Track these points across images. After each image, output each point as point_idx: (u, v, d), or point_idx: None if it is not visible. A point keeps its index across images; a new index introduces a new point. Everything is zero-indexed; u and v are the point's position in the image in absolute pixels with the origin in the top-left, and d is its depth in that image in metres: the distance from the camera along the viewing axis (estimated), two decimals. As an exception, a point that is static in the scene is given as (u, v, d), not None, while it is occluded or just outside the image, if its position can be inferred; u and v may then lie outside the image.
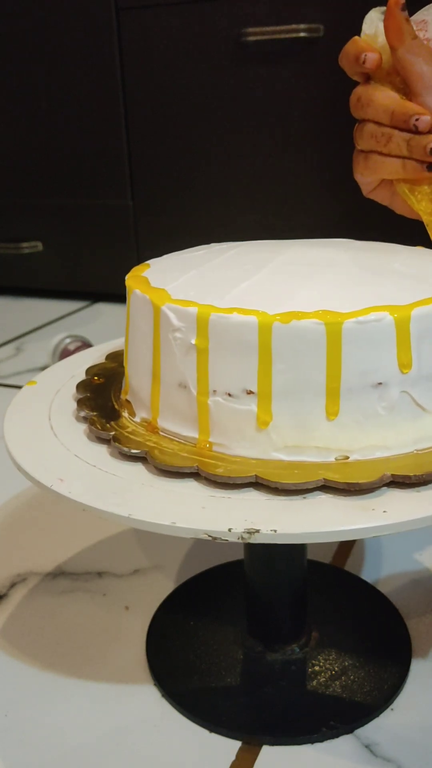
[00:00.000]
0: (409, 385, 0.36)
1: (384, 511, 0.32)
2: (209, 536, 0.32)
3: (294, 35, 1.03)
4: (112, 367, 0.49)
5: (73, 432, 0.42)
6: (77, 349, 0.99)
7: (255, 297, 0.37)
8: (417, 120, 0.45)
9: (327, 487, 0.34)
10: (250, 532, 0.32)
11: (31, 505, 0.68)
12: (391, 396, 0.36)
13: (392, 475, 0.34)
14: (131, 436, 0.40)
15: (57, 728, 0.44)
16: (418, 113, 0.45)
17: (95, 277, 1.32)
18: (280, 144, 1.12)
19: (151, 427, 0.41)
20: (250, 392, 0.36)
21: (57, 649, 0.51)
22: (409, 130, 0.46)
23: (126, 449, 0.38)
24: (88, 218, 1.28)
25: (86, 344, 1.00)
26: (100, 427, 0.41)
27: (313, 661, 0.47)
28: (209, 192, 1.19)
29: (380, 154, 0.48)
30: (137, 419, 0.42)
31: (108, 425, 0.41)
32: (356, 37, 0.47)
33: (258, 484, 0.35)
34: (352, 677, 0.46)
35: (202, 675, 0.47)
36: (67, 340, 1.00)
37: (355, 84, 0.49)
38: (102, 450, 0.40)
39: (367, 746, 0.42)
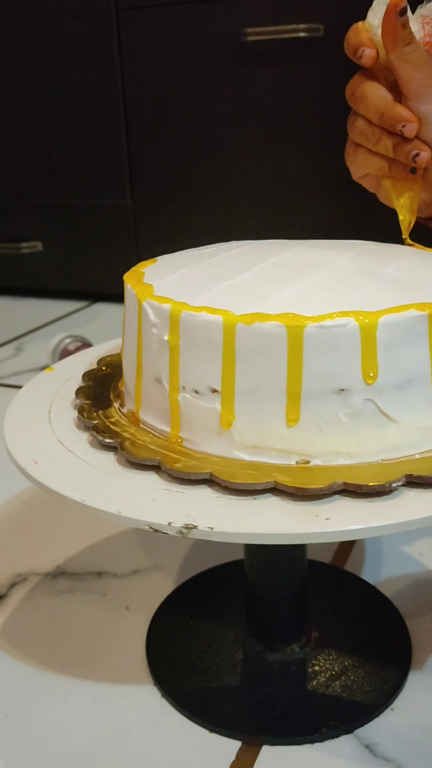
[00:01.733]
0: (374, 393, 0.35)
1: (327, 519, 0.32)
2: (151, 528, 0.33)
3: (294, 35, 1.03)
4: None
5: (67, 419, 0.43)
6: (77, 349, 0.99)
7: (230, 297, 0.37)
8: (404, 127, 0.46)
9: (278, 491, 0.34)
10: (188, 528, 0.32)
11: (31, 505, 0.68)
12: (354, 403, 0.35)
13: (344, 483, 0.33)
14: (112, 427, 0.41)
15: (57, 728, 0.44)
16: (406, 120, 0.46)
17: (95, 277, 1.32)
18: (280, 144, 1.12)
19: (134, 418, 0.42)
20: (215, 391, 0.37)
21: (57, 649, 0.51)
22: (396, 134, 0.47)
23: (100, 438, 0.39)
24: (88, 218, 1.28)
25: (86, 344, 1.00)
26: (86, 416, 0.42)
27: (313, 661, 0.47)
28: (209, 192, 1.19)
29: (368, 150, 0.49)
30: (125, 410, 0.43)
31: (95, 414, 0.42)
32: (359, 24, 0.47)
33: (212, 481, 0.35)
34: (352, 677, 0.46)
35: (202, 675, 0.47)
36: (67, 340, 1.00)
37: (354, 73, 0.49)
38: (85, 438, 0.41)
39: (367, 746, 0.42)
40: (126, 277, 0.43)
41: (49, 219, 1.31)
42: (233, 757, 0.42)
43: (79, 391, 0.45)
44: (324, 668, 0.47)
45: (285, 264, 0.42)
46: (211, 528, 0.32)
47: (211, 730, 0.44)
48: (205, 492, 0.35)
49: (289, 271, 0.41)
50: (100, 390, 0.46)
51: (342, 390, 0.35)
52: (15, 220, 1.34)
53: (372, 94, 0.47)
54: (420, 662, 0.48)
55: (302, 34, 1.03)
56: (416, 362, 0.35)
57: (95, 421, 0.41)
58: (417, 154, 0.46)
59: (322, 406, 0.35)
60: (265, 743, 0.43)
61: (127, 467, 0.37)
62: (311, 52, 1.04)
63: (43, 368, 1.02)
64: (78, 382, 0.47)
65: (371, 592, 0.54)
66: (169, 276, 0.42)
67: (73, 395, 0.46)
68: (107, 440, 0.39)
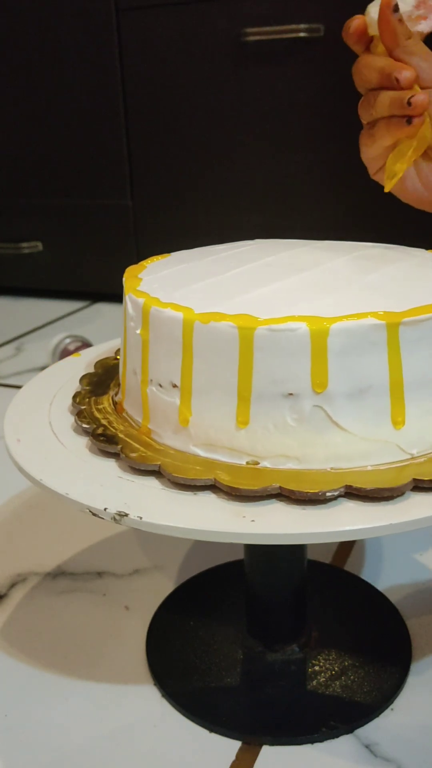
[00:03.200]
0: (324, 400, 0.35)
1: (252, 520, 0.32)
2: (90, 512, 0.34)
3: (294, 35, 1.03)
4: None
5: (66, 416, 0.44)
6: (77, 349, 0.99)
7: (201, 295, 0.38)
8: (399, 73, 0.45)
9: (217, 488, 0.35)
10: (121, 515, 0.33)
11: (31, 505, 0.68)
12: (302, 408, 0.35)
13: (280, 487, 0.34)
14: (96, 414, 0.42)
15: (57, 728, 0.44)
16: (402, 68, 0.45)
17: (95, 277, 1.32)
18: (280, 144, 1.12)
19: (120, 407, 0.43)
20: (175, 386, 0.37)
21: (57, 649, 0.51)
22: (394, 87, 0.46)
23: (79, 423, 0.41)
24: (88, 218, 1.28)
25: (86, 344, 1.00)
26: (78, 401, 0.43)
27: (313, 661, 0.47)
28: (209, 192, 1.19)
29: (374, 125, 0.48)
30: (117, 398, 0.44)
31: (87, 400, 0.44)
32: (358, 16, 0.47)
33: (161, 474, 0.36)
34: (352, 677, 0.46)
35: (202, 675, 0.47)
36: (67, 340, 1.00)
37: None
38: (72, 422, 0.43)
39: (367, 746, 0.42)
40: (129, 268, 0.45)
41: (49, 219, 1.31)
42: (233, 757, 0.42)
43: (84, 378, 0.47)
44: (324, 668, 0.47)
45: (274, 265, 0.42)
46: (140, 518, 0.33)
47: (211, 730, 0.44)
48: (152, 483, 0.36)
49: (272, 272, 0.41)
50: (105, 378, 0.47)
51: (291, 394, 0.35)
52: (15, 220, 1.34)
53: (372, 59, 0.47)
54: (420, 662, 0.48)
55: (302, 34, 1.03)
56: (371, 372, 0.35)
57: (83, 407, 0.43)
58: (412, 97, 0.45)
59: (270, 408, 0.35)
60: (265, 743, 0.43)
61: (96, 453, 0.39)
62: (311, 52, 1.04)
63: (43, 368, 1.02)
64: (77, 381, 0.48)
65: (371, 592, 0.54)
66: (163, 271, 0.43)
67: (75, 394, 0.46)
68: (84, 426, 0.41)
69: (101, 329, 1.20)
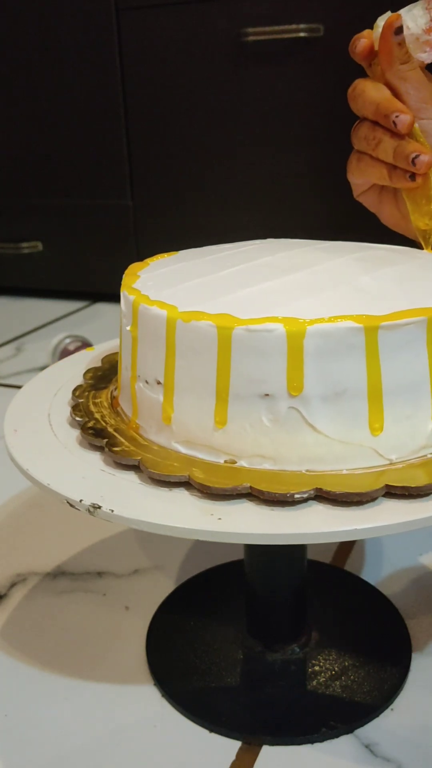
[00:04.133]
0: (299, 401, 0.34)
1: (219, 519, 0.32)
2: (68, 503, 0.35)
3: (294, 35, 1.03)
4: None
5: (66, 414, 0.44)
6: (77, 349, 0.99)
7: (189, 293, 0.38)
8: (397, 117, 0.45)
9: (190, 486, 0.35)
10: (95, 507, 0.34)
11: (31, 505, 0.68)
12: (278, 409, 0.35)
13: (250, 487, 0.34)
14: (91, 407, 0.43)
15: (57, 728, 0.44)
16: (400, 111, 0.45)
17: (95, 277, 1.32)
18: (280, 144, 1.12)
19: (116, 402, 0.44)
20: (159, 383, 0.38)
21: (57, 649, 0.51)
22: (390, 129, 0.46)
23: (73, 416, 0.42)
24: (88, 218, 1.28)
25: (86, 344, 1.00)
26: (77, 395, 0.44)
27: (313, 661, 0.47)
28: (209, 192, 1.19)
29: (371, 157, 0.49)
30: (116, 393, 0.45)
31: (86, 394, 0.44)
32: (367, 31, 0.47)
33: (140, 469, 0.37)
34: (352, 677, 0.46)
35: (202, 675, 0.47)
36: (67, 340, 1.00)
37: (354, 73, 0.49)
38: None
39: (367, 746, 0.42)
40: (131, 266, 0.45)
41: (49, 219, 1.31)
42: (233, 757, 0.42)
43: (88, 372, 0.47)
44: (324, 668, 0.47)
45: (269, 264, 0.42)
46: (112, 510, 0.33)
47: (211, 730, 0.44)
48: (131, 477, 0.37)
49: (265, 272, 0.41)
50: (109, 373, 0.47)
51: (267, 395, 0.35)
52: (15, 220, 1.34)
53: (369, 88, 0.47)
54: (420, 662, 0.48)
55: (302, 34, 1.03)
56: (348, 376, 0.34)
57: (81, 400, 0.44)
58: (417, 157, 0.45)
59: (247, 409, 0.35)
60: (265, 743, 0.43)
61: (85, 447, 0.40)
62: (311, 52, 1.04)
63: (43, 368, 1.02)
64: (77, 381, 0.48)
65: (371, 592, 0.54)
66: (161, 269, 0.44)
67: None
68: (77, 419, 0.41)
69: (101, 329, 1.20)
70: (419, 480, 0.33)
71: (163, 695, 0.46)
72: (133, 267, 0.45)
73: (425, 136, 0.46)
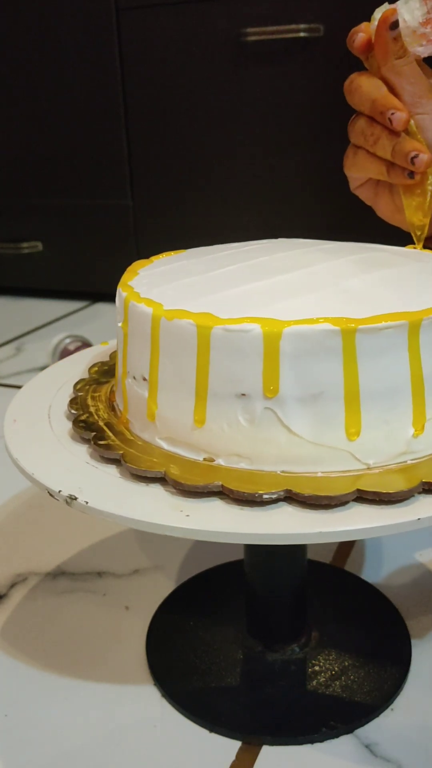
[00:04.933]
0: (275, 402, 0.34)
1: (187, 516, 0.33)
2: (49, 493, 0.36)
3: (294, 35, 1.03)
4: None
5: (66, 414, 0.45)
6: (77, 349, 0.99)
7: (178, 292, 0.39)
8: (392, 114, 0.45)
9: (165, 482, 0.35)
10: (72, 498, 0.35)
11: (31, 505, 0.68)
12: (254, 409, 0.35)
13: (221, 485, 0.34)
14: (89, 401, 0.44)
15: (57, 728, 0.44)
16: (395, 108, 0.45)
17: (95, 277, 1.32)
18: (280, 144, 1.12)
19: (113, 396, 0.44)
20: (144, 379, 0.38)
21: (57, 649, 0.51)
22: (385, 125, 0.46)
23: (69, 409, 0.43)
24: (88, 218, 1.28)
25: (86, 344, 1.00)
26: (78, 388, 0.45)
27: (313, 661, 0.47)
28: (209, 192, 1.19)
29: (367, 152, 0.49)
30: (115, 388, 0.45)
31: (86, 388, 0.45)
32: (364, 24, 0.47)
33: (120, 462, 0.37)
34: (352, 677, 0.46)
35: (202, 675, 0.47)
36: (67, 340, 1.00)
37: (354, 71, 0.49)
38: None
39: (367, 746, 0.42)
40: (134, 263, 0.46)
41: (49, 219, 1.31)
42: (233, 757, 0.42)
43: (94, 366, 0.48)
44: (324, 668, 0.47)
45: (264, 264, 0.42)
46: (86, 502, 0.34)
47: (211, 730, 0.44)
48: (112, 471, 0.37)
49: (257, 272, 0.41)
50: (113, 368, 0.48)
51: (243, 395, 0.35)
52: (15, 220, 1.34)
53: (365, 83, 0.47)
54: (420, 662, 0.48)
55: (302, 34, 1.03)
56: (324, 379, 0.34)
57: (80, 394, 0.44)
58: (416, 156, 0.45)
59: (225, 408, 0.35)
60: (265, 743, 0.43)
61: (76, 440, 0.40)
62: (311, 52, 1.04)
63: (43, 368, 1.02)
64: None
65: (371, 592, 0.54)
66: (161, 267, 0.44)
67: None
68: (72, 411, 0.42)
69: (101, 329, 1.20)
70: (393, 486, 0.33)
71: (163, 695, 0.46)
72: (136, 264, 0.46)
73: (421, 131, 0.46)
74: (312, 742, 0.43)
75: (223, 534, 0.32)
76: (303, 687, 0.46)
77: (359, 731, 0.43)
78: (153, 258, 0.48)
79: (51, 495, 0.36)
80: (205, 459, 0.37)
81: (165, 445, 0.38)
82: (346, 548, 0.60)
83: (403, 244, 0.49)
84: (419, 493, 0.33)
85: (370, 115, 0.47)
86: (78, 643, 0.51)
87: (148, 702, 0.46)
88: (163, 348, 0.37)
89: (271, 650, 0.48)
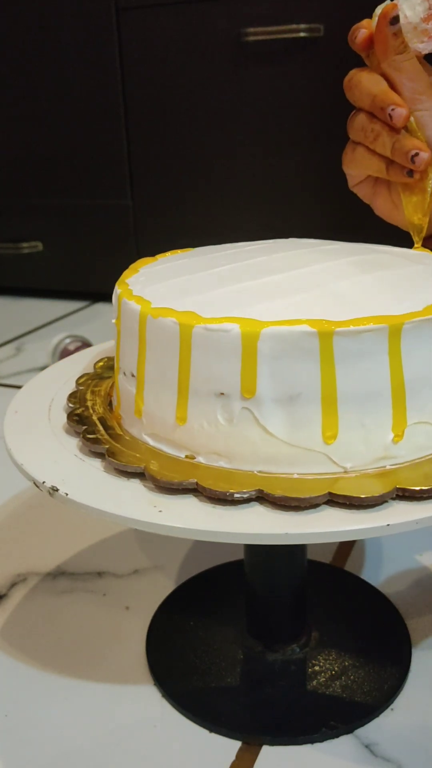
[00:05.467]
0: (252, 402, 0.35)
1: (159, 511, 0.33)
2: (34, 484, 0.37)
3: (294, 35, 1.03)
4: None
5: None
6: (77, 349, 0.99)
7: (169, 290, 0.39)
8: (393, 110, 0.45)
9: (144, 477, 0.36)
10: (54, 489, 0.35)
11: (31, 505, 0.68)
12: (232, 409, 0.35)
13: (196, 483, 0.34)
14: (88, 395, 0.45)
15: (57, 728, 0.44)
16: (396, 104, 0.45)
17: (95, 277, 1.32)
18: (280, 144, 1.12)
19: (112, 391, 0.45)
20: (133, 375, 0.39)
21: (57, 649, 0.51)
22: (385, 121, 0.46)
23: (66, 403, 0.44)
24: (88, 218, 1.28)
25: (86, 344, 1.00)
26: (81, 382, 0.46)
27: (313, 661, 0.47)
28: (209, 192, 1.19)
29: (367, 148, 0.48)
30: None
31: (88, 382, 0.46)
32: (366, 20, 0.47)
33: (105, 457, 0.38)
34: (352, 677, 0.46)
35: (202, 675, 0.47)
36: (67, 340, 1.00)
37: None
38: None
39: (367, 746, 0.42)
40: (139, 260, 0.47)
41: (49, 219, 1.31)
42: (233, 757, 0.42)
43: (100, 361, 0.49)
44: (324, 668, 0.47)
45: (259, 265, 0.42)
46: (66, 494, 0.35)
47: (211, 730, 0.44)
48: (96, 465, 0.38)
49: (251, 272, 0.41)
50: None
51: (222, 394, 0.35)
52: (15, 220, 1.34)
53: (366, 79, 0.47)
54: (420, 662, 0.48)
55: (302, 34, 1.03)
56: (301, 380, 0.34)
57: (81, 388, 0.45)
58: (416, 154, 0.45)
59: (204, 406, 0.36)
60: (265, 743, 0.43)
61: (70, 433, 0.41)
62: (311, 52, 1.04)
63: (43, 368, 1.02)
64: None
65: (371, 592, 0.54)
66: (161, 265, 0.45)
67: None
68: (70, 405, 0.43)
69: (101, 329, 1.20)
70: (366, 491, 0.33)
71: (163, 695, 0.46)
72: (140, 262, 0.46)
73: (421, 128, 0.46)
74: (312, 742, 0.43)
75: (191, 531, 0.32)
76: (303, 687, 0.46)
77: (359, 731, 0.43)
78: (159, 256, 0.48)
79: (36, 486, 0.36)
80: (186, 456, 0.37)
81: (151, 441, 0.39)
82: (346, 548, 0.60)
83: (409, 245, 0.49)
84: (393, 498, 0.33)
85: (370, 110, 0.47)
86: (78, 643, 0.51)
87: (148, 702, 0.46)
88: (149, 345, 0.37)
89: (271, 650, 0.48)
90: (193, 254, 0.47)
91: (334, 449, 0.35)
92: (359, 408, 0.34)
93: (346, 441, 0.35)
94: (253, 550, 0.46)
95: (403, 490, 0.33)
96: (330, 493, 0.33)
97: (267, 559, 0.46)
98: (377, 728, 0.43)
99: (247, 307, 0.36)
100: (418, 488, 0.33)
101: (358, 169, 0.50)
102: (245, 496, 0.33)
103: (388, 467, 0.36)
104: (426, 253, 0.47)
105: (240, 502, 0.33)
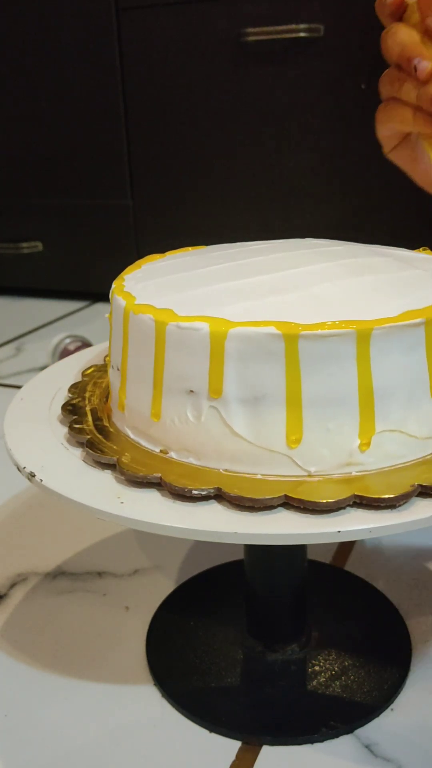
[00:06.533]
0: (219, 401, 0.35)
1: (122, 503, 0.34)
2: (17, 467, 0.38)
3: (294, 35, 1.03)
4: None
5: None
6: (77, 349, 0.99)
7: (158, 288, 0.40)
8: (419, 62, 0.43)
9: (115, 469, 0.37)
10: (32, 475, 0.37)
11: (31, 505, 0.68)
12: (200, 406, 0.35)
13: (159, 478, 0.35)
14: (88, 388, 0.45)
15: (57, 728, 0.44)
16: (422, 56, 0.43)
17: (95, 277, 1.32)
18: (280, 144, 1.12)
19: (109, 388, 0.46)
20: (118, 369, 0.40)
21: (57, 649, 0.51)
22: (410, 73, 0.44)
23: (67, 394, 0.45)
24: (88, 218, 1.28)
25: (86, 344, 1.00)
26: (86, 375, 0.47)
27: (313, 661, 0.47)
28: (209, 192, 1.19)
29: (395, 101, 0.47)
30: None
31: (95, 374, 0.47)
32: None
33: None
34: (352, 677, 0.46)
35: (202, 675, 0.47)
36: (67, 340, 1.00)
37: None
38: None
39: (367, 746, 0.42)
40: (147, 257, 0.47)
41: (49, 219, 1.31)
42: (233, 757, 0.42)
43: (108, 354, 0.49)
44: (324, 668, 0.47)
45: (252, 265, 0.42)
46: (41, 480, 0.36)
47: (211, 730, 0.44)
48: (77, 454, 0.39)
49: (243, 272, 0.41)
50: None
51: (191, 391, 0.36)
52: (15, 220, 1.34)
53: (402, 30, 0.45)
54: (420, 662, 0.48)
55: (302, 34, 1.03)
56: (266, 382, 0.34)
57: (84, 379, 0.46)
58: None
59: (176, 403, 0.36)
60: (265, 743, 0.43)
61: (64, 423, 0.42)
62: (311, 52, 1.04)
63: (43, 368, 1.02)
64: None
65: (371, 592, 0.54)
66: (161, 263, 0.45)
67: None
68: (69, 395, 0.44)
69: (101, 329, 1.20)
70: (323, 496, 0.33)
71: (163, 695, 0.46)
72: (145, 259, 0.47)
73: None
74: (312, 742, 0.43)
75: (148, 524, 0.33)
76: (303, 687, 0.46)
77: (359, 731, 0.43)
78: (168, 252, 0.49)
79: (19, 470, 0.38)
80: (161, 451, 0.38)
81: (131, 435, 0.40)
82: (346, 548, 0.60)
83: (411, 245, 0.48)
84: (351, 505, 0.33)
85: (398, 62, 0.45)
86: (78, 643, 0.51)
87: (148, 702, 0.46)
88: (131, 340, 0.38)
89: (271, 650, 0.48)
90: (198, 252, 0.47)
91: (298, 452, 0.35)
92: (324, 412, 0.34)
93: (310, 445, 0.35)
94: (253, 549, 0.46)
95: (361, 497, 0.33)
96: (286, 496, 0.33)
97: (267, 559, 0.46)
98: (377, 728, 0.43)
99: (223, 307, 0.36)
100: (375, 496, 0.32)
101: (389, 122, 0.48)
102: (203, 493, 0.34)
103: (354, 474, 0.35)
104: (428, 256, 0.46)
105: (199, 499, 0.34)
